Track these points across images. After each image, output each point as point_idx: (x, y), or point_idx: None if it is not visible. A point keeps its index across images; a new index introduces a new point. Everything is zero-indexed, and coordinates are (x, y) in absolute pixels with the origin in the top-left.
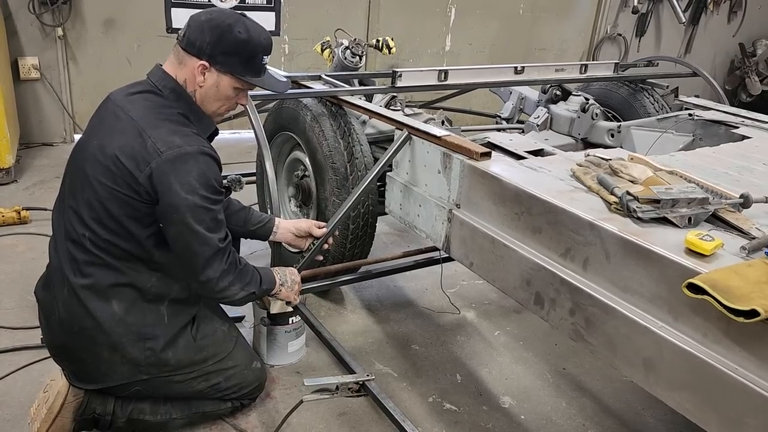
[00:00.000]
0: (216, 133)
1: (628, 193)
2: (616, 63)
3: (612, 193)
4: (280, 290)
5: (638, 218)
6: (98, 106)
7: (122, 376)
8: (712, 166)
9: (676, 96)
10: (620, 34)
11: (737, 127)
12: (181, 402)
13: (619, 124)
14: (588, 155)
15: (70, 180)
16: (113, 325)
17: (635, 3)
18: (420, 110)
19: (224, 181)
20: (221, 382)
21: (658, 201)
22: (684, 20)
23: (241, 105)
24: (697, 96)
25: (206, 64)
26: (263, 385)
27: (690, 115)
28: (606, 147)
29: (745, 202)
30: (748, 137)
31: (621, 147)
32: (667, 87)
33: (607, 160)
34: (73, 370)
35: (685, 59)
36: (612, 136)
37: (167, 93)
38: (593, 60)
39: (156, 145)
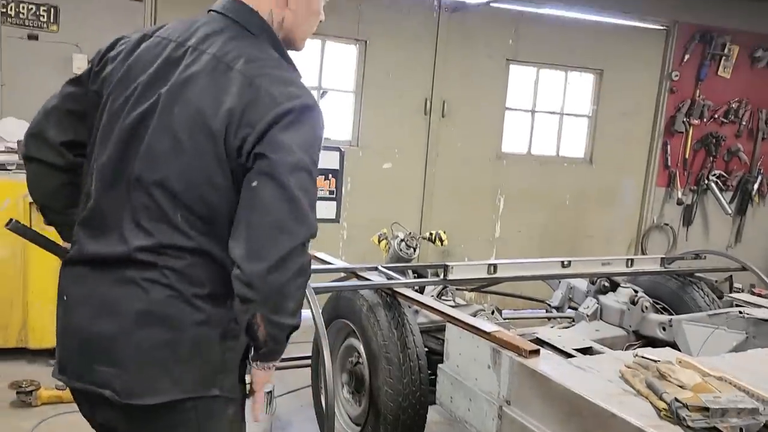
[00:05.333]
0: None
1: (677, 399)
2: (662, 257)
3: (661, 399)
4: (270, 367)
5: (688, 427)
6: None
7: (183, 388)
8: (764, 369)
9: (731, 288)
10: (667, 224)
11: None
12: None
13: (670, 318)
14: (636, 355)
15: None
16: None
17: (679, 195)
18: (470, 302)
19: None
20: None
21: (707, 409)
22: (730, 212)
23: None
24: (753, 286)
25: None
26: None
27: (740, 312)
28: (658, 340)
29: None
30: None
31: (674, 341)
32: (716, 281)
33: (655, 361)
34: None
35: (736, 249)
36: (663, 329)
37: (257, 32)
38: (642, 248)
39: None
